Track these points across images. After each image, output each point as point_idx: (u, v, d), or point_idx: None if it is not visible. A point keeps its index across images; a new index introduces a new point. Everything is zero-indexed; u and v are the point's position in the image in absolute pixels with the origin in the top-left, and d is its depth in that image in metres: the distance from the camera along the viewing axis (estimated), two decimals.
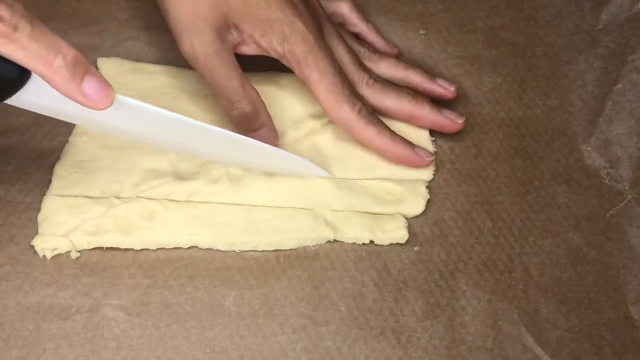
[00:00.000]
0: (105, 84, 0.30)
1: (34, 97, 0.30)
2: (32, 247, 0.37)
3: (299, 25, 0.38)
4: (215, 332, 0.35)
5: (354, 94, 0.39)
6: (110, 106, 0.30)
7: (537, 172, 0.42)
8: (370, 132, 0.39)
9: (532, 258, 0.39)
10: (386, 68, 0.43)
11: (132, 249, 0.37)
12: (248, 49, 0.39)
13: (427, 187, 0.41)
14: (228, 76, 0.38)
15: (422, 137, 0.42)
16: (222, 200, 0.39)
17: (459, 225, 0.40)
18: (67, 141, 0.41)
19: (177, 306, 0.36)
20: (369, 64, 0.43)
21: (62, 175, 0.39)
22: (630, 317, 0.37)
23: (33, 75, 0.29)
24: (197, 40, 0.38)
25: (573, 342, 0.36)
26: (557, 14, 0.49)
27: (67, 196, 0.38)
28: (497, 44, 0.47)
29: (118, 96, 0.31)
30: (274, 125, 0.40)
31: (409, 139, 0.41)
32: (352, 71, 0.41)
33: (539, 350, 0.36)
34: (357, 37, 0.45)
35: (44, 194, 0.39)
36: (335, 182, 0.40)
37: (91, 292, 0.36)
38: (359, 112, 0.39)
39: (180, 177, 0.39)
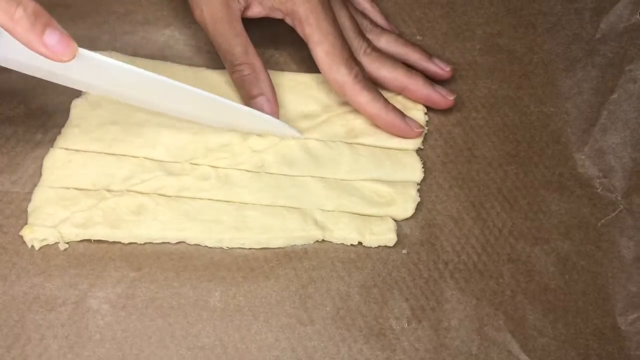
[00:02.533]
0: (67, 36, 0.32)
1: (3, 51, 0.32)
2: (21, 237, 0.37)
3: None
4: (200, 328, 0.35)
5: (352, 58, 0.40)
6: (72, 59, 0.32)
7: (529, 178, 0.42)
8: (364, 97, 0.40)
9: (520, 265, 0.39)
10: (386, 43, 0.44)
11: (120, 242, 0.37)
12: (253, 12, 0.41)
13: (419, 189, 0.40)
14: (232, 42, 0.40)
15: (417, 115, 0.43)
16: (211, 196, 0.39)
17: (449, 229, 0.40)
18: (60, 133, 0.41)
19: (163, 300, 0.36)
20: (370, 36, 0.44)
21: (53, 167, 0.39)
22: (617, 327, 0.37)
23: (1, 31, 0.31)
24: (206, 8, 0.40)
25: (559, 350, 0.36)
26: (556, 22, 0.49)
27: (59, 188, 0.38)
28: (494, 51, 0.47)
29: (82, 50, 0.33)
30: (274, 96, 0.41)
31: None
32: (351, 37, 0.42)
33: (524, 357, 0.36)
34: None
35: (36, 185, 0.39)
36: (326, 182, 0.40)
37: (77, 283, 0.36)
38: (356, 76, 0.40)
39: (170, 172, 0.39)
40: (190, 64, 0.44)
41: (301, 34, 0.40)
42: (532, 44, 0.48)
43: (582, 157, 0.43)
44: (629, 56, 0.45)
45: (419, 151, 0.42)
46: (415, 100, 0.43)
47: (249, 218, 0.38)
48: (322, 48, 0.39)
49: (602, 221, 0.41)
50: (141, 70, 0.36)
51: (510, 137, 0.44)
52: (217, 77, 0.43)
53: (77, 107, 0.41)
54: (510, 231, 0.40)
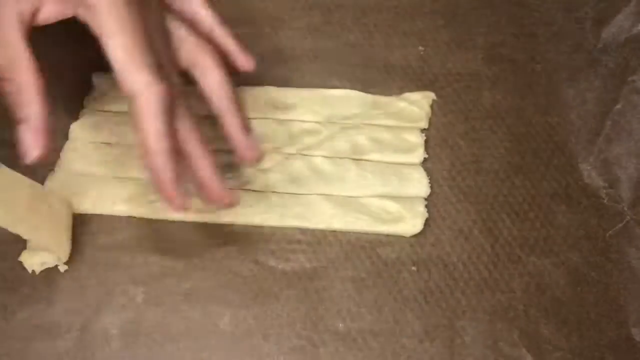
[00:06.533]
0: None
1: None
2: (21, 262, 0.36)
3: None
4: (210, 353, 0.34)
5: (160, 67, 0.31)
6: None
7: (536, 190, 0.42)
8: (155, 124, 0.30)
9: (532, 278, 0.38)
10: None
11: (124, 265, 0.37)
12: (45, 14, 0.33)
13: (426, 205, 0.40)
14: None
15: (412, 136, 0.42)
16: (217, 219, 0.38)
17: (458, 244, 0.39)
18: (59, 157, 0.40)
19: (171, 325, 0.35)
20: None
21: (53, 192, 0.38)
22: (631, 338, 0.37)
23: None
24: None
25: None
26: (557, 31, 0.48)
27: None
28: (497, 61, 0.47)
29: None
30: (43, 123, 0.31)
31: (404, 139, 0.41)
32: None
33: None
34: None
35: None
36: (333, 200, 0.39)
37: (82, 309, 0.35)
38: (159, 92, 0.30)
39: None
40: None
41: (94, 27, 0.31)
42: (534, 54, 0.47)
43: (588, 167, 0.43)
44: (631, 67, 0.45)
45: (424, 164, 0.42)
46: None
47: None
48: (118, 41, 0.30)
49: (610, 232, 0.40)
50: None
51: (516, 148, 0.43)
52: None
53: (75, 131, 0.40)
54: (520, 244, 0.39)
